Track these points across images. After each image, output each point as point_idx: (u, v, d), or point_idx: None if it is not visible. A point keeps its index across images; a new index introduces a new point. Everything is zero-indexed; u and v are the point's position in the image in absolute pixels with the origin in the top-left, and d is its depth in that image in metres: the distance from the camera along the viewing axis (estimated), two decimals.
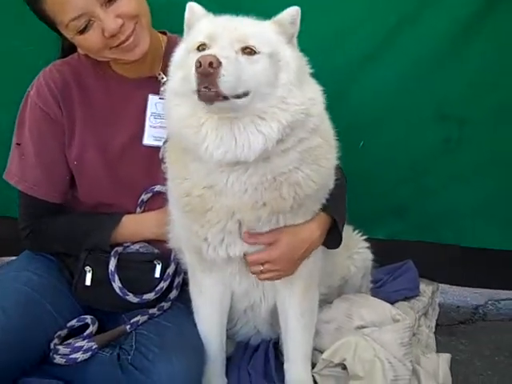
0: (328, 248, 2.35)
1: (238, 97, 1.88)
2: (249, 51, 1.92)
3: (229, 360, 2.48)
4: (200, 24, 2.07)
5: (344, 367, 2.38)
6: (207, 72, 1.79)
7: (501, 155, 3.06)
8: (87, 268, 2.41)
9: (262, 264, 2.17)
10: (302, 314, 2.32)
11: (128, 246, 2.45)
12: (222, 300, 2.36)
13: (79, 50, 2.38)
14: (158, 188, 2.42)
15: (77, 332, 2.39)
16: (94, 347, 2.27)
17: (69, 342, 2.32)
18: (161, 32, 2.53)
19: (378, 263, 2.87)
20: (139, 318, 2.35)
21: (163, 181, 2.39)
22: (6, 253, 3.26)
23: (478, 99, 2.99)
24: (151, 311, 2.39)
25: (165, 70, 2.38)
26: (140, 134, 2.45)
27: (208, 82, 1.81)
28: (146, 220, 2.46)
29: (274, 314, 2.42)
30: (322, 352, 2.45)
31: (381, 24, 2.90)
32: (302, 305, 2.32)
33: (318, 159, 2.09)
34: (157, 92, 2.43)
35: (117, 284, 2.37)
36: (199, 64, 1.80)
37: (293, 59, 2.00)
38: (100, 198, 2.48)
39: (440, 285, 3.28)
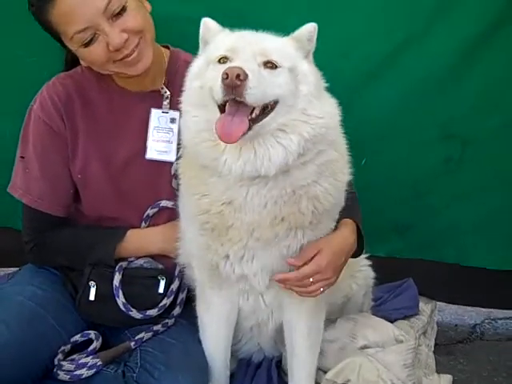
0: (353, 257, 2.37)
1: (264, 113, 1.94)
2: (270, 65, 1.96)
3: (231, 377, 2.48)
4: (219, 38, 2.11)
5: None
6: (234, 84, 1.82)
7: (502, 175, 3.08)
8: (91, 283, 2.41)
9: (312, 276, 2.16)
10: (308, 333, 2.33)
11: (132, 261, 2.45)
12: (229, 317, 2.36)
13: (82, 62, 2.37)
14: (163, 203, 2.43)
15: (80, 347, 2.39)
16: (98, 364, 2.27)
17: (73, 357, 2.32)
18: (163, 46, 2.53)
19: (378, 281, 2.88)
20: (143, 335, 2.34)
21: (167, 195, 2.42)
22: (8, 264, 3.24)
23: (480, 119, 3.00)
24: (155, 328, 2.39)
25: (167, 85, 2.44)
26: (143, 148, 2.44)
27: (235, 94, 1.84)
28: (151, 235, 2.46)
29: (279, 332, 2.42)
30: (325, 371, 2.46)
31: (385, 42, 2.91)
32: (309, 324, 2.33)
33: (335, 173, 2.13)
34: (159, 106, 2.45)
35: (121, 300, 2.37)
36: (226, 76, 1.82)
37: (311, 73, 2.06)
38: (104, 211, 2.48)
39: (438, 303, 3.29)
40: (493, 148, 3.04)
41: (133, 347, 2.32)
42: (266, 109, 1.95)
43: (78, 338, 2.41)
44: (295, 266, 2.14)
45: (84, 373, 2.25)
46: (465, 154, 3.06)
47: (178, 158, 2.31)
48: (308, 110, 2.01)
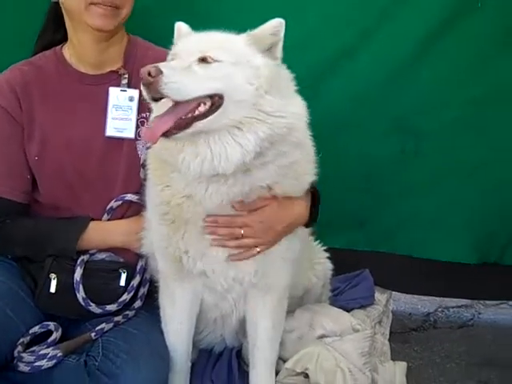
0: (306, 227, 2.36)
1: (211, 110, 1.95)
2: (205, 61, 1.97)
3: (192, 367, 2.49)
4: (180, 40, 2.16)
5: (306, 376, 2.43)
6: (147, 81, 1.88)
7: (455, 167, 3.17)
8: (52, 275, 2.39)
9: (241, 227, 2.16)
10: (272, 325, 2.37)
11: (93, 254, 2.45)
12: (192, 309, 2.38)
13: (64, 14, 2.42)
14: (128, 197, 2.43)
15: (39, 339, 2.37)
16: (59, 355, 2.26)
17: (33, 349, 2.31)
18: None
19: (335, 272, 2.91)
20: (104, 326, 2.34)
21: (123, 176, 2.43)
22: None
23: (434, 112, 3.09)
24: (116, 319, 2.39)
25: (125, 66, 2.47)
26: (102, 127, 2.44)
27: (152, 90, 1.89)
28: (115, 227, 2.46)
29: (242, 323, 2.45)
30: (284, 360, 2.50)
31: (341, 35, 2.97)
32: (272, 317, 2.36)
33: (299, 175, 2.15)
34: (117, 85, 2.46)
35: (81, 294, 2.37)
36: (141, 75, 1.88)
37: (265, 66, 2.02)
38: (60, 198, 2.45)
39: (392, 292, 3.37)
40: (446, 140, 3.12)
41: (94, 338, 2.31)
42: (214, 105, 1.96)
43: (37, 329, 2.39)
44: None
45: (44, 364, 2.24)
46: (419, 147, 3.14)
47: (148, 148, 2.32)
48: (261, 106, 1.98)
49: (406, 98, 3.06)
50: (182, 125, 1.94)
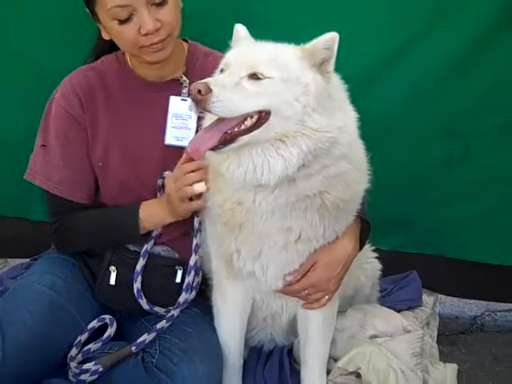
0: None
1: (258, 124, 1.97)
2: (255, 77, 1.97)
3: (243, 365, 2.52)
4: (233, 48, 2.19)
5: (358, 375, 2.45)
6: (197, 99, 1.90)
7: (503, 171, 3.14)
8: (112, 268, 2.45)
9: (305, 289, 2.26)
10: (323, 323, 2.39)
11: (152, 247, 2.48)
12: (244, 307, 2.42)
13: (105, 36, 2.43)
14: (167, 173, 2.39)
15: (97, 333, 2.44)
16: (100, 370, 2.27)
17: (85, 349, 2.39)
18: (182, 39, 2.59)
19: (382, 273, 2.92)
20: (146, 338, 2.32)
21: None
22: (22, 254, 3.25)
23: (482, 116, 3.06)
24: (159, 326, 2.35)
25: (187, 74, 2.50)
26: (162, 135, 2.48)
27: (200, 107, 1.91)
28: (159, 204, 2.43)
29: (292, 322, 2.49)
30: (335, 359, 2.53)
31: (389, 41, 2.97)
32: (323, 315, 2.39)
33: (349, 184, 2.14)
34: (179, 94, 2.49)
35: (137, 285, 2.40)
36: (191, 91, 1.92)
37: (313, 83, 2.01)
38: (122, 200, 2.50)
39: (439, 295, 3.37)
40: (494, 144, 3.10)
41: (134, 351, 2.31)
42: (260, 120, 1.97)
43: (95, 323, 2.45)
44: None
45: (88, 378, 2.28)
46: (466, 150, 3.11)
47: None
48: (307, 123, 1.98)
49: (454, 101, 3.04)
50: (228, 139, 1.96)
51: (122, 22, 2.29)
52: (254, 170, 2.00)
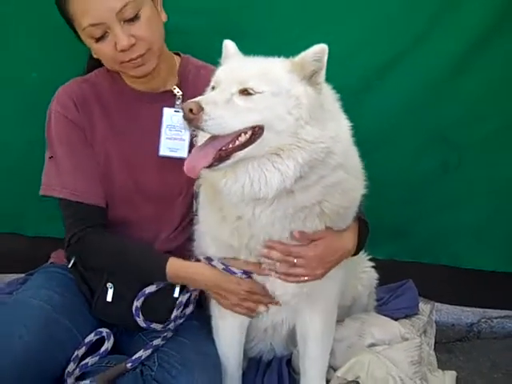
0: (353, 255, 2.40)
1: (251, 139, 1.97)
2: (246, 93, 1.97)
3: (242, 375, 2.52)
4: (223, 64, 2.19)
5: None
6: (189, 118, 1.90)
7: (497, 179, 3.17)
8: (109, 284, 2.44)
9: (295, 257, 2.20)
10: (322, 333, 2.40)
11: None
12: (243, 322, 2.42)
13: (97, 57, 2.44)
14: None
15: (94, 347, 2.41)
16: None
17: (83, 363, 2.36)
18: (174, 53, 2.60)
19: (378, 282, 2.93)
20: (142, 354, 2.32)
21: (179, 191, 2.50)
22: (17, 269, 3.20)
23: (475, 125, 3.09)
24: (155, 342, 2.36)
25: (180, 86, 2.51)
26: (156, 146, 2.49)
27: (193, 126, 1.92)
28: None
29: (291, 333, 2.49)
30: (334, 369, 2.52)
31: (382, 50, 2.99)
32: (323, 326, 2.39)
33: (346, 192, 2.15)
34: (172, 105, 2.50)
35: (137, 303, 2.38)
36: (182, 111, 1.92)
37: (304, 95, 2.00)
38: (123, 208, 2.52)
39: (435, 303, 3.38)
40: (488, 153, 3.12)
41: (129, 368, 2.29)
42: (254, 135, 1.97)
43: (92, 337, 2.42)
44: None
45: None
46: (460, 159, 3.14)
47: None
48: (301, 135, 1.98)
49: (446, 110, 3.06)
50: (223, 156, 1.96)
51: (98, 39, 2.31)
52: (251, 184, 2.00)
